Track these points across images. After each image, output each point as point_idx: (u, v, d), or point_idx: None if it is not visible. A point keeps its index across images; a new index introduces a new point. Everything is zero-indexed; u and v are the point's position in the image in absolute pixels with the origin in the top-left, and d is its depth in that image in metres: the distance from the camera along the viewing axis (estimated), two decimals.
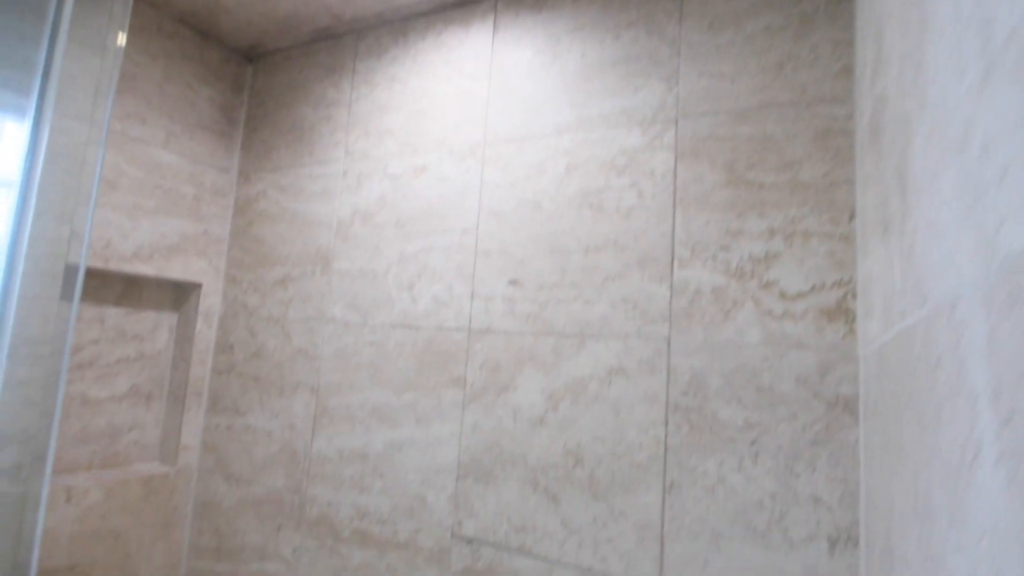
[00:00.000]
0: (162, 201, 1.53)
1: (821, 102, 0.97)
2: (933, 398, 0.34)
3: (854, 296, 0.91)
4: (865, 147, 0.82)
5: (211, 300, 1.64)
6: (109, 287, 1.51)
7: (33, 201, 1.16)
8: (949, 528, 0.30)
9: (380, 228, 1.40)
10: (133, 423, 1.56)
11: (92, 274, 1.45)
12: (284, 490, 1.44)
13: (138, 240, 1.48)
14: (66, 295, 1.19)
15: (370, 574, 1.27)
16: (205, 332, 1.63)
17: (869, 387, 0.75)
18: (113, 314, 1.52)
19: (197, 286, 1.63)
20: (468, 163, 1.30)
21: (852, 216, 0.93)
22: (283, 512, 1.43)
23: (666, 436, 1.01)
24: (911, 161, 0.44)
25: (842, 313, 0.91)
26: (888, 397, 0.52)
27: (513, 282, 1.20)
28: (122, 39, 1.11)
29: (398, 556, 1.24)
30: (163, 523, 1.54)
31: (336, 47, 1.57)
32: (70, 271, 1.18)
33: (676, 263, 1.05)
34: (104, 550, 1.41)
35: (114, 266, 1.42)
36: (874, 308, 0.67)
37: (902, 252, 0.46)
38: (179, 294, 1.65)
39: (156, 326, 1.61)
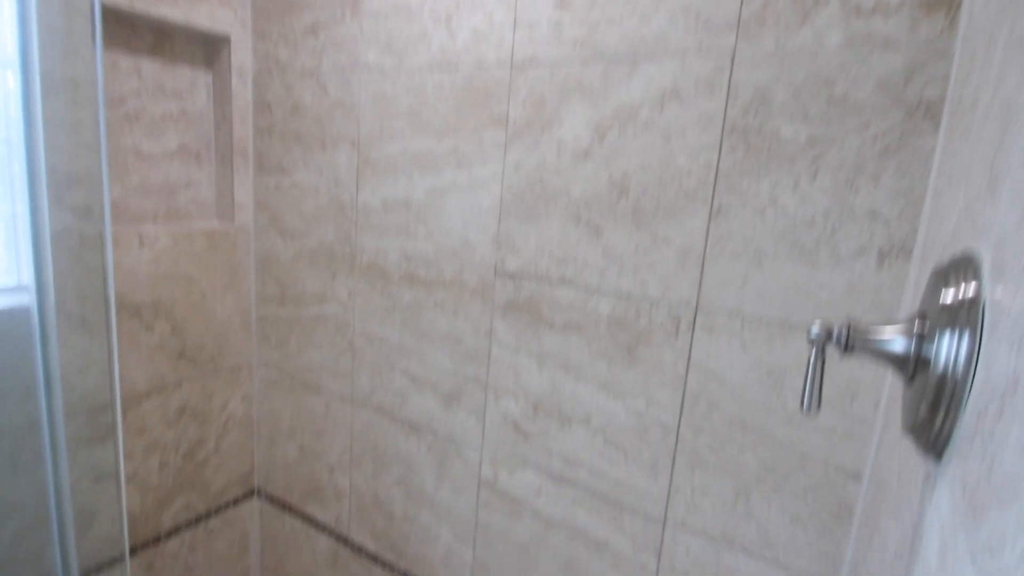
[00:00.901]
0: None
1: None
2: None
3: None
4: None
5: (242, 56, 1.56)
6: (140, 36, 1.43)
7: None
8: None
9: None
10: (188, 181, 1.59)
11: (119, 18, 1.37)
12: (335, 241, 1.49)
13: None
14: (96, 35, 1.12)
15: (419, 309, 1.35)
16: (241, 91, 1.58)
17: (971, 61, 0.65)
18: (149, 68, 1.46)
19: (226, 40, 1.53)
20: None
21: None
22: (336, 261, 1.49)
23: (719, 160, 0.94)
24: None
25: (944, 3, 0.77)
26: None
27: (560, 3, 1.06)
28: None
29: (445, 293, 1.30)
30: (230, 274, 1.64)
31: None
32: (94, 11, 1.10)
33: None
34: (181, 291, 1.53)
35: (139, 8, 1.33)
36: None
37: None
38: (210, 49, 1.57)
39: (193, 84, 1.56)
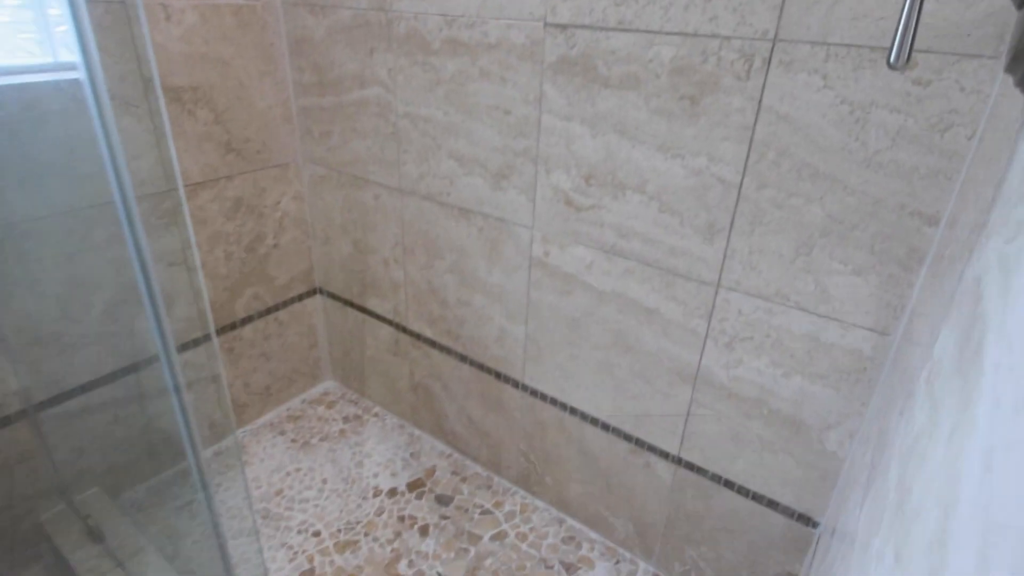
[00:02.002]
0: None
1: None
2: None
3: None
4: None
5: None
6: None
7: None
8: None
9: None
10: None
11: None
12: (369, 9, 1.43)
13: None
14: None
15: (464, 80, 1.32)
16: None
17: None
18: None
19: None
20: None
21: None
22: (372, 34, 1.45)
23: None
24: None
25: None
26: None
27: None
28: None
29: (490, 58, 1.25)
30: (264, 58, 1.64)
31: None
32: None
33: None
34: (218, 75, 1.55)
35: None
36: None
37: None
38: None
39: None
